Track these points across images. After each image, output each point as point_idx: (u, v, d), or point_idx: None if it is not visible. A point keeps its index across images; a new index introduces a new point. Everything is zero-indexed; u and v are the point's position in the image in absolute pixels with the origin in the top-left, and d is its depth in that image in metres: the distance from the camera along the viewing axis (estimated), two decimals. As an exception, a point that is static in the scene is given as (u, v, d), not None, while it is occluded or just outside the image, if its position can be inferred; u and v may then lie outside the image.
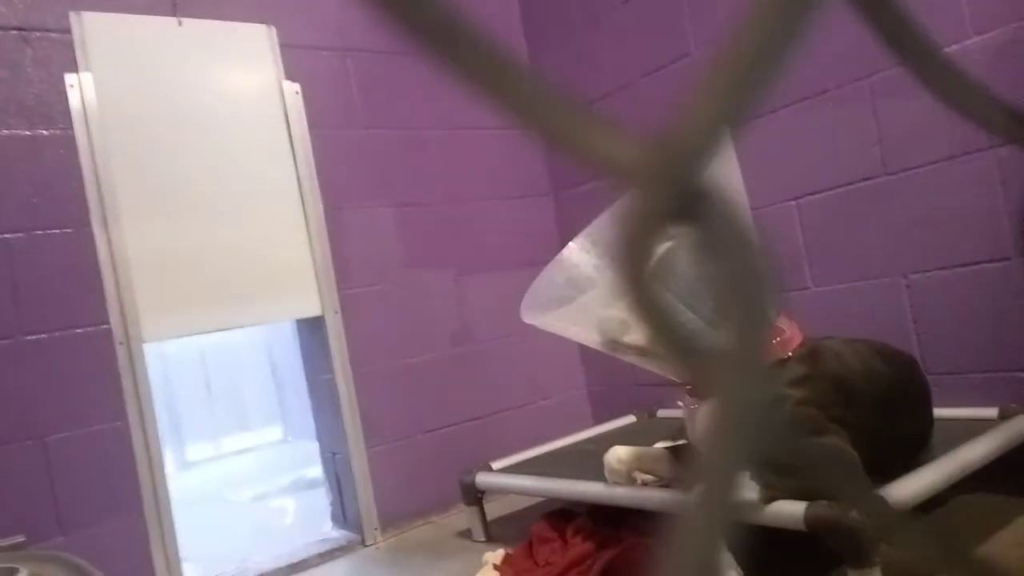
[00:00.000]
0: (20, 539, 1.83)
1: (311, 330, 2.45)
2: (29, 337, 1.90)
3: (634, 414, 2.61)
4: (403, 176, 2.59)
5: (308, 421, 5.21)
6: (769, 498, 1.36)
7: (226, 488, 3.72)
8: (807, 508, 1.30)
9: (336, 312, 2.38)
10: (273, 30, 2.36)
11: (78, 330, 1.96)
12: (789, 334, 1.48)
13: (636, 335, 1.44)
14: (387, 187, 2.55)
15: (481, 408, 2.65)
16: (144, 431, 2.01)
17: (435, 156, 2.68)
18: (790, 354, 1.45)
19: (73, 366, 1.95)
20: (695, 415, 1.54)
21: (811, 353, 1.47)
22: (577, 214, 2.86)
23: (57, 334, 1.94)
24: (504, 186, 2.83)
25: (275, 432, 5.69)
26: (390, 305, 2.50)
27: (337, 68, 2.49)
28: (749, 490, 1.37)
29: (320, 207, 2.38)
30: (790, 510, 1.33)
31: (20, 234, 1.92)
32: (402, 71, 2.59)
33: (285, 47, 2.37)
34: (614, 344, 1.47)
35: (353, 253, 2.44)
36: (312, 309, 2.36)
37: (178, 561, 2.03)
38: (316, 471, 3.45)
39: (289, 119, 2.34)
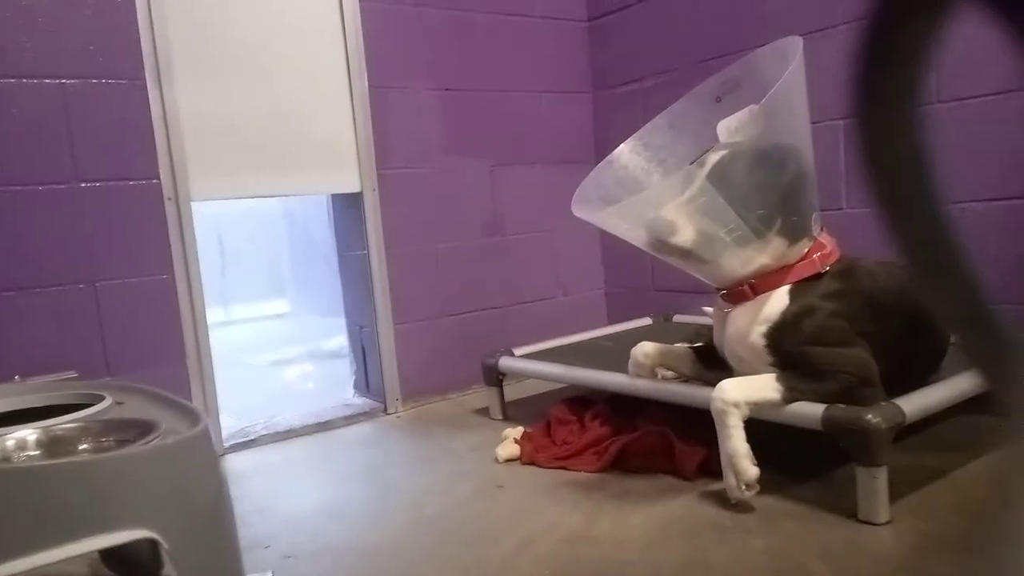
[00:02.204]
0: (72, 375, 1.95)
1: (347, 206, 2.50)
2: (83, 184, 1.95)
3: (650, 317, 2.71)
4: (449, 59, 2.58)
5: (314, 296, 5.32)
6: (791, 399, 1.46)
7: (241, 352, 3.85)
8: (825, 410, 1.40)
9: (374, 190, 2.42)
10: None
11: (130, 182, 2.01)
12: (829, 249, 1.55)
13: (683, 237, 1.50)
14: (432, 69, 2.54)
15: (504, 298, 2.75)
16: (189, 285, 2.09)
17: (482, 41, 2.65)
18: (828, 268, 1.52)
19: (124, 217, 2.00)
20: (726, 319, 1.62)
21: (847, 269, 1.54)
22: (616, 114, 2.87)
23: (110, 184, 1.98)
24: (546, 80, 2.82)
25: (282, 305, 5.82)
26: (426, 189, 2.55)
27: (393, -60, 2.44)
28: (772, 391, 1.47)
29: (365, 84, 2.38)
30: (809, 411, 1.43)
31: (76, 81, 1.93)
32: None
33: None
34: (660, 244, 1.53)
35: (394, 133, 2.46)
36: (351, 185, 2.40)
37: (216, 411, 2.17)
38: (333, 343, 3.59)
39: (341, -12, 2.31)
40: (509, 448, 1.93)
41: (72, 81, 1.92)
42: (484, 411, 2.34)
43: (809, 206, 1.54)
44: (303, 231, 5.14)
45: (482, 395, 2.40)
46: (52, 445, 1.07)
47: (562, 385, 2.37)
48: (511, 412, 2.30)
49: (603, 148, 2.84)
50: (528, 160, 2.78)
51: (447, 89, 2.58)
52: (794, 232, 1.51)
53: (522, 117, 2.77)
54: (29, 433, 1.07)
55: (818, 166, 1.56)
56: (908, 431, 1.40)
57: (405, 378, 2.51)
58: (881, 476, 1.34)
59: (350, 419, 2.42)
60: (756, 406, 1.47)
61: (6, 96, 1.85)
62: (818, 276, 1.52)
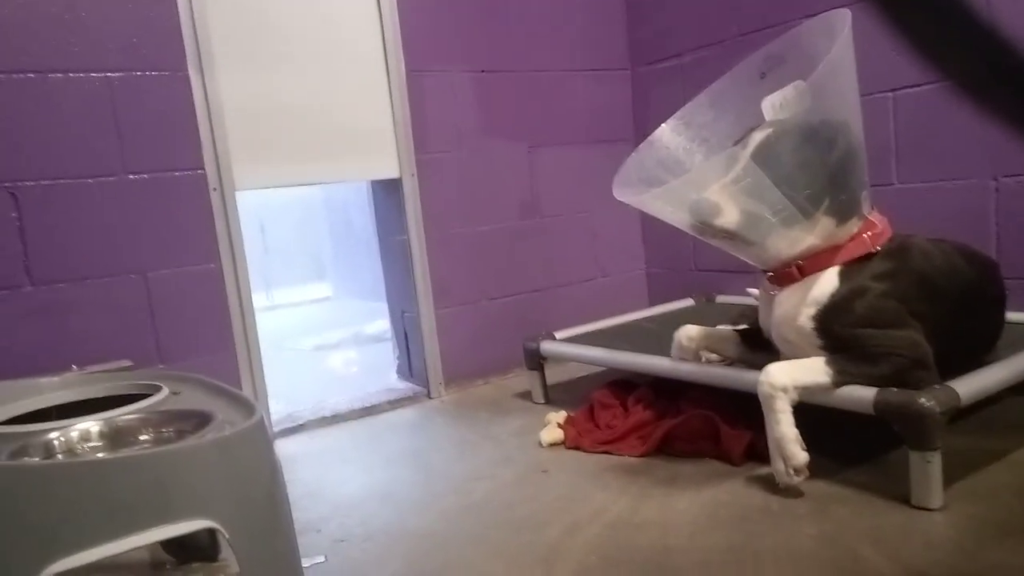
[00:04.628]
0: (127, 363, 2.00)
1: (387, 192, 2.51)
2: (131, 176, 1.99)
3: (692, 298, 2.69)
4: (483, 40, 2.56)
5: (355, 281, 5.39)
6: (841, 383, 1.43)
7: (286, 337, 3.93)
8: (877, 393, 1.37)
9: (413, 175, 2.43)
10: None
11: (176, 173, 2.04)
12: (880, 228, 1.51)
13: (727, 218, 1.47)
14: (467, 51, 2.53)
15: (544, 280, 2.74)
16: (236, 274, 2.13)
17: (516, 21, 2.63)
18: (879, 248, 1.49)
19: (171, 207, 2.04)
20: (772, 301, 1.59)
21: (899, 249, 1.50)
22: (654, 91, 2.83)
23: (157, 175, 2.02)
24: (582, 57, 2.79)
25: (324, 289, 5.90)
26: (464, 172, 2.54)
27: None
28: (822, 375, 1.44)
29: (403, 68, 2.38)
30: (860, 395, 1.40)
31: (121, 73, 1.96)
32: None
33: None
34: (704, 227, 1.50)
35: (431, 117, 2.46)
36: (390, 171, 2.41)
37: (265, 396, 2.21)
38: (375, 327, 3.64)
39: (378, -25, 2.31)
40: (553, 433, 1.93)
41: (117, 74, 1.96)
42: (526, 395, 2.35)
43: (859, 183, 1.50)
44: (343, 217, 5.20)
45: (524, 378, 2.41)
46: (114, 436, 1.10)
47: (604, 368, 2.36)
48: (553, 396, 2.30)
49: (642, 126, 2.81)
50: (565, 140, 2.76)
51: (483, 71, 2.57)
52: (843, 211, 1.47)
53: (558, 96, 2.74)
54: (92, 424, 1.10)
55: (867, 140, 1.52)
56: (963, 413, 1.37)
57: (447, 362, 2.53)
58: (935, 460, 1.32)
59: (394, 403, 2.46)
60: (805, 390, 1.44)
61: (55, 91, 1.89)
62: (869, 256, 1.49)
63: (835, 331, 1.47)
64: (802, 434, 1.43)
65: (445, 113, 2.49)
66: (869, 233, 1.49)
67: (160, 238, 2.03)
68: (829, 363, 1.45)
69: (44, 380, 1.45)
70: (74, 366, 1.88)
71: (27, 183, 1.87)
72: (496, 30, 2.59)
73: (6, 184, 1.85)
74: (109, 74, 1.95)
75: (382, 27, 2.34)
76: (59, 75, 1.89)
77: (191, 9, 2.02)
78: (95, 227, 1.95)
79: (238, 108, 2.11)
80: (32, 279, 1.89)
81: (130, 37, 1.97)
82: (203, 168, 2.07)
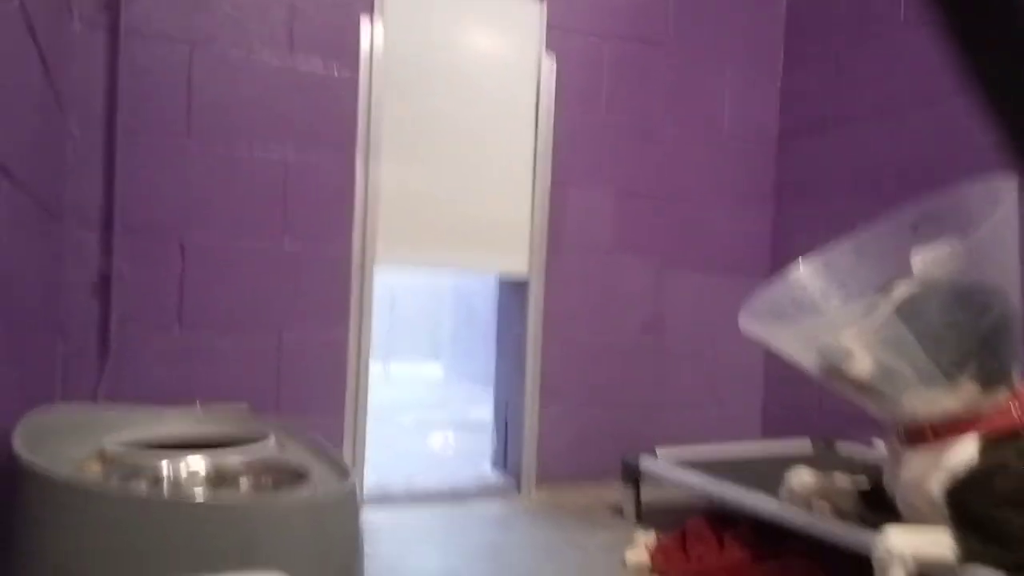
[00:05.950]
0: (244, 405, 2.12)
1: (513, 288, 2.59)
2: (287, 246, 2.16)
3: (810, 440, 2.53)
4: (630, 164, 2.65)
5: (468, 364, 5.47)
6: (967, 562, 1.29)
7: (393, 409, 4.02)
8: (1008, 583, 1.23)
9: (540, 277, 2.49)
10: (544, 7, 2.48)
11: (327, 244, 2.20)
12: (1031, 403, 1.38)
13: (860, 367, 1.40)
14: (613, 172, 2.62)
15: (655, 396, 2.68)
16: (360, 343, 2.23)
17: (666, 151, 2.70)
18: (1028, 423, 1.36)
19: (315, 275, 2.20)
20: (901, 461, 1.48)
21: (1051, 428, 1.36)
22: (796, 230, 2.78)
23: (310, 245, 2.19)
24: (727, 189, 2.80)
25: (436, 369, 6.04)
26: (591, 281, 2.58)
27: (593, 51, 2.57)
28: (946, 549, 1.31)
29: (548, 179, 2.50)
30: (989, 581, 1.26)
31: (297, 155, 2.17)
32: (653, 65, 2.64)
33: (552, 25, 2.48)
34: (833, 371, 1.44)
35: (568, 227, 2.54)
36: (520, 269, 2.49)
37: (363, 464, 2.26)
38: (477, 413, 3.66)
39: (540, 91, 2.48)
40: (639, 554, 1.85)
41: (294, 155, 2.17)
42: (617, 509, 2.27)
43: (1011, 353, 1.39)
44: (467, 304, 5.37)
45: (617, 491, 2.33)
46: (217, 476, 1.16)
47: (703, 496, 2.24)
48: (646, 515, 2.21)
49: (779, 262, 2.75)
50: (697, 264, 2.75)
51: (626, 193, 2.64)
52: (990, 379, 1.36)
53: (696, 221, 2.75)
54: (199, 461, 1.17)
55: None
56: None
57: (543, 460, 2.50)
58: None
59: (483, 492, 2.44)
60: (925, 563, 1.31)
61: (238, 164, 2.12)
62: (1015, 432, 1.36)
63: (969, 506, 1.34)
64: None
65: (582, 224, 2.57)
66: (1018, 406, 1.37)
67: (300, 302, 2.19)
68: (956, 538, 1.32)
69: (168, 410, 1.55)
70: (198, 402, 2.02)
71: (196, 239, 2.08)
72: (645, 157, 2.66)
73: (179, 237, 2.06)
74: (287, 155, 2.16)
75: (536, 136, 2.48)
76: (244, 150, 2.12)
77: (369, 106, 2.23)
78: (246, 287, 2.13)
79: (392, 192, 2.28)
80: (182, 324, 2.07)
81: (311, 124, 2.18)
82: (351, 243, 2.22)
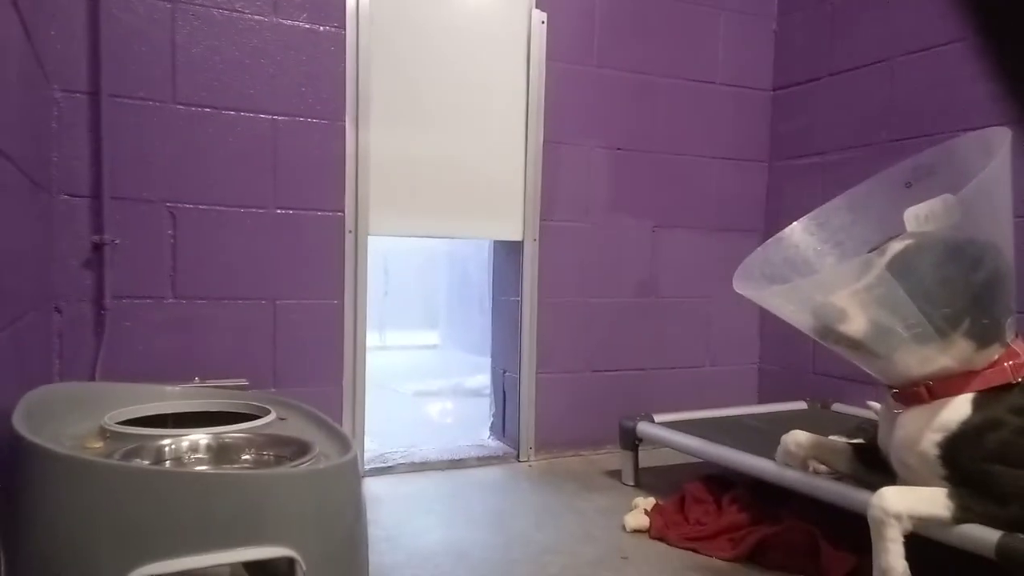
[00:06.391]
0: (244, 382, 2.12)
1: (507, 253, 2.58)
2: (279, 211, 2.15)
3: (806, 401, 2.55)
4: (624, 119, 2.61)
5: (464, 333, 5.48)
6: (962, 520, 1.32)
7: (390, 378, 4.04)
8: (1001, 537, 1.25)
9: (535, 240, 2.48)
10: (533, -40, 2.43)
11: (318, 213, 2.19)
12: (1023, 358, 1.39)
13: (853, 326, 1.41)
14: (606, 128, 2.58)
15: (650, 360, 2.70)
16: (355, 313, 2.23)
17: (659, 105, 2.67)
18: (1020, 379, 1.37)
19: (308, 243, 2.18)
20: (895, 420, 1.49)
21: (1044, 384, 1.38)
22: (790, 187, 2.77)
23: (302, 212, 2.17)
24: (721, 146, 2.78)
25: (432, 337, 6.05)
26: (586, 243, 2.57)
27: (585, 2, 2.52)
28: (941, 508, 1.33)
29: (540, 138, 2.47)
30: (982, 536, 1.29)
31: (286, 118, 2.14)
32: (646, 15, 2.60)
33: (542, -23, 2.44)
34: (827, 331, 1.44)
35: (561, 187, 2.52)
36: (514, 233, 2.48)
37: (363, 434, 2.28)
38: (474, 381, 3.68)
39: (531, 47, 2.43)
40: (638, 518, 1.87)
41: (283, 118, 2.14)
42: (616, 473, 2.30)
43: (1004, 309, 1.39)
44: (462, 271, 5.36)
45: (616, 457, 2.35)
46: (220, 451, 1.17)
47: (700, 460, 2.27)
48: (644, 479, 2.23)
49: (773, 220, 2.75)
50: (692, 223, 2.74)
51: (619, 148, 2.61)
52: (984, 335, 1.37)
53: (691, 179, 2.74)
54: (202, 437, 1.17)
55: (1018, 266, 1.42)
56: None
57: (541, 427, 2.52)
58: (1064, 625, 1.17)
59: (483, 460, 2.46)
60: (920, 521, 1.33)
61: (226, 126, 2.08)
62: (1008, 387, 1.37)
63: (962, 463, 1.35)
64: (911, 568, 1.31)
65: (575, 183, 2.55)
66: (1011, 362, 1.38)
67: (294, 270, 2.17)
68: (951, 496, 1.34)
69: (168, 388, 1.56)
70: (197, 378, 2.02)
71: (186, 205, 2.05)
72: (639, 111, 2.63)
73: (168, 203, 2.04)
74: (276, 117, 2.13)
75: (527, 95, 2.44)
76: (232, 112, 2.09)
77: (357, 66, 2.19)
78: (239, 253, 2.11)
79: (383, 159, 2.25)
80: (175, 292, 2.05)
81: (299, 86, 2.15)
82: (343, 211, 2.20)
